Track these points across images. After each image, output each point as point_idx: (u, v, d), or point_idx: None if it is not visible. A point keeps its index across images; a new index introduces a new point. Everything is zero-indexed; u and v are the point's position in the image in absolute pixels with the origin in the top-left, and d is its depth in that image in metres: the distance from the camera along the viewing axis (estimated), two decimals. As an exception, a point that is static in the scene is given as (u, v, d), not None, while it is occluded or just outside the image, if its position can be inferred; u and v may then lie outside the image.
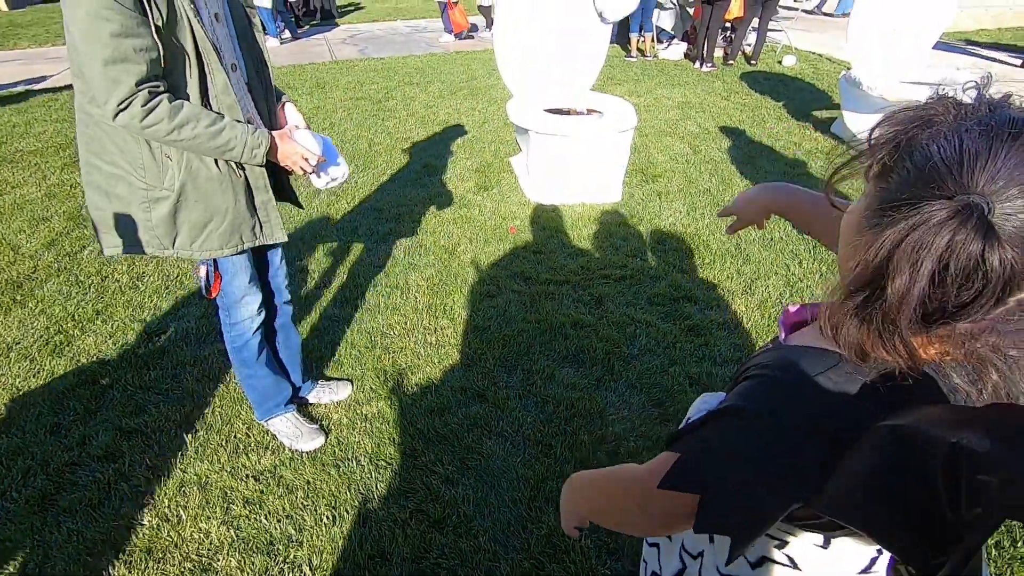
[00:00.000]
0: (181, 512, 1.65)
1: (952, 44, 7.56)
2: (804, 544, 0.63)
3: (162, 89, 1.23)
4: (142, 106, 1.20)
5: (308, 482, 1.74)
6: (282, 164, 1.48)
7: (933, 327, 0.46)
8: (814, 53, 7.36)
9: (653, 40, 7.49)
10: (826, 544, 0.62)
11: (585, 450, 1.81)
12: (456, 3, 8.62)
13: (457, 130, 4.85)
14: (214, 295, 1.58)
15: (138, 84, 1.18)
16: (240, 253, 1.52)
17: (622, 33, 7.76)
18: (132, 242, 1.44)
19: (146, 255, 1.48)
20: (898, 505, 0.42)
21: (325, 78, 6.77)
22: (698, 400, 0.75)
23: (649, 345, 2.27)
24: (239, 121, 1.35)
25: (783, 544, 0.64)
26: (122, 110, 1.19)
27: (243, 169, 1.44)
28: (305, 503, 1.68)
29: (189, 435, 1.89)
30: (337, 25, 11.27)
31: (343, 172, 1.62)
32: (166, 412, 1.98)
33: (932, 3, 4.03)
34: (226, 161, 1.39)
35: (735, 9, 6.67)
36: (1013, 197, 0.41)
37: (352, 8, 13.56)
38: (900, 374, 0.48)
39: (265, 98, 1.50)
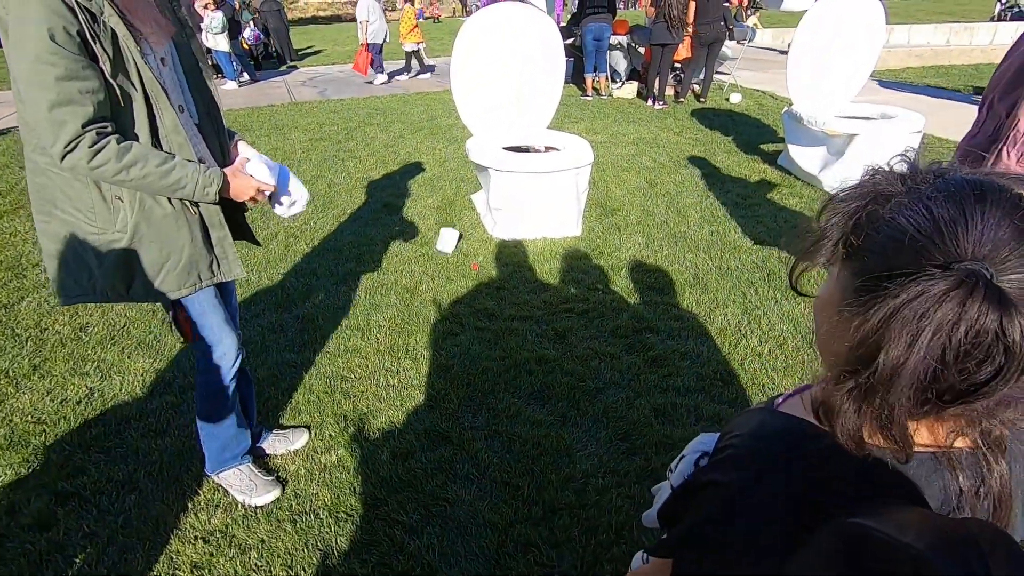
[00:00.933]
0: (121, 582, 1.53)
1: (884, 81, 8.11)
2: None
3: (110, 130, 1.21)
4: (89, 147, 1.18)
5: (262, 540, 1.64)
6: (236, 199, 1.45)
7: (945, 409, 0.43)
8: (758, 90, 7.77)
9: (607, 80, 7.79)
10: None
11: (553, 490, 1.77)
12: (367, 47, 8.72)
13: (418, 169, 4.88)
14: (192, 340, 1.54)
15: (84, 126, 1.16)
16: (199, 291, 1.48)
17: (577, 73, 8.06)
18: (87, 290, 1.39)
19: (102, 303, 1.43)
20: None
21: (284, 120, 6.76)
22: (694, 440, 0.72)
23: (613, 378, 2.26)
24: (190, 160, 1.33)
25: None
26: (69, 151, 1.17)
27: (197, 206, 1.41)
28: (259, 564, 1.58)
29: (132, 496, 1.77)
30: (296, 68, 11.35)
31: (302, 196, 1.60)
32: (107, 472, 1.85)
33: (860, 45, 4.33)
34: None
35: (683, 51, 7.03)
36: (1006, 260, 0.39)
37: (310, 51, 13.70)
38: (884, 463, 0.46)
39: (217, 138, 1.48)
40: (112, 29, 1.17)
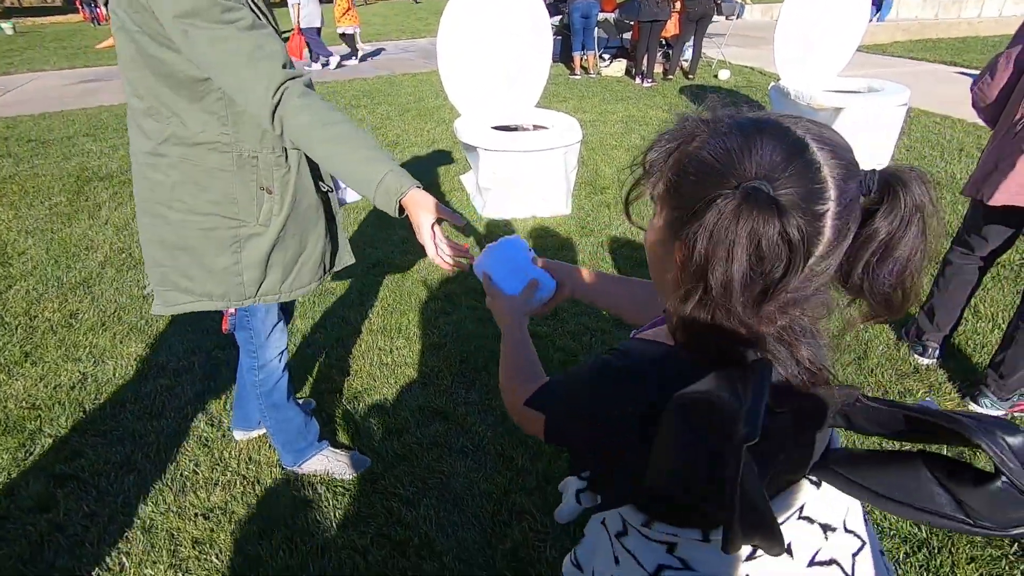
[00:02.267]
0: (124, 560, 1.55)
1: (870, 55, 8.10)
2: (688, 542, 0.65)
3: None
4: (299, 96, 1.06)
5: (261, 515, 1.67)
6: (417, 221, 1.07)
7: (762, 307, 0.50)
8: (746, 67, 7.75)
9: (596, 58, 7.74)
10: (705, 538, 0.63)
11: (546, 460, 1.81)
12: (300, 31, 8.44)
13: (406, 151, 4.85)
14: (226, 329, 1.49)
15: (283, 69, 1.07)
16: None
17: (565, 52, 7.99)
18: (202, 294, 1.31)
19: (215, 309, 1.34)
20: (694, 462, 0.48)
21: (269, 103, 6.66)
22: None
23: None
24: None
25: (672, 547, 0.66)
26: (278, 103, 1.05)
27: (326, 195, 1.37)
28: (259, 537, 1.61)
29: (131, 476, 1.79)
30: (280, 51, 11.11)
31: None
32: (105, 454, 1.87)
33: (845, 19, 4.32)
34: (317, 187, 1.31)
35: (671, 27, 6.99)
36: (778, 174, 0.47)
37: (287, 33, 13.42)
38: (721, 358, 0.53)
39: None
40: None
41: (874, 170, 0.50)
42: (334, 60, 8.95)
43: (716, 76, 7.25)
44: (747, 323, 0.51)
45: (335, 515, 1.67)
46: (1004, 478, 0.44)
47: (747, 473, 0.44)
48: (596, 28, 7.58)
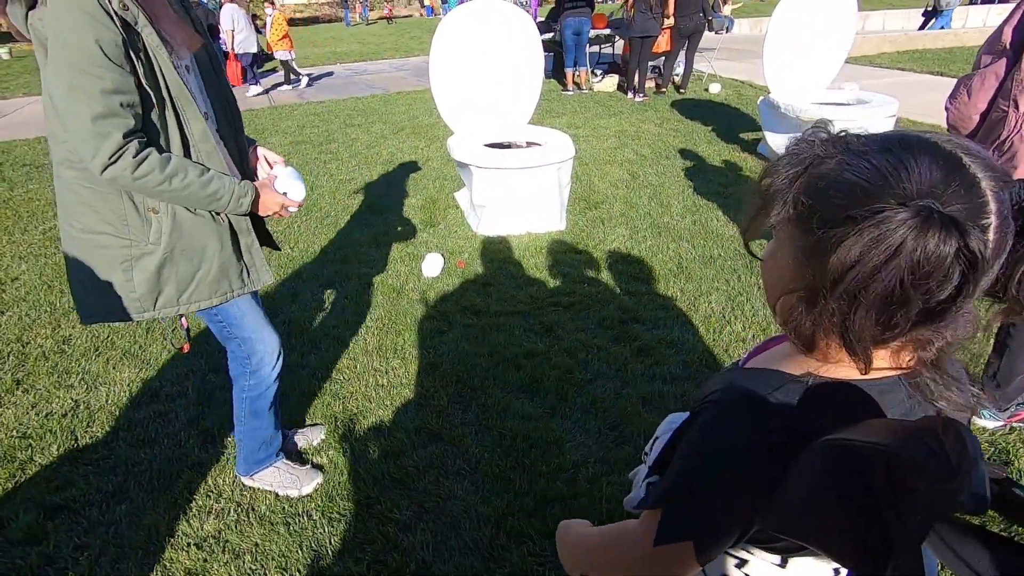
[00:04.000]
0: (115, 592, 1.52)
1: (859, 66, 8.21)
2: (762, 564, 0.64)
3: (146, 140, 1.20)
4: (133, 157, 1.17)
5: (256, 544, 1.64)
6: (262, 214, 1.46)
7: (914, 329, 0.48)
8: (737, 80, 7.84)
9: (588, 74, 7.82)
10: (783, 564, 0.62)
11: (544, 481, 1.79)
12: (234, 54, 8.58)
13: (400, 169, 4.87)
14: (186, 349, 1.58)
15: (126, 136, 1.16)
16: (230, 300, 1.48)
17: (558, 68, 8.07)
18: (112, 308, 1.37)
19: (124, 321, 1.41)
20: (844, 517, 0.43)
21: (264, 123, 6.71)
22: (664, 422, 0.76)
23: (601, 369, 2.29)
24: (223, 172, 1.34)
25: (742, 563, 0.65)
26: (111, 163, 1.16)
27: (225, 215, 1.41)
28: (253, 568, 1.58)
29: (123, 506, 1.76)
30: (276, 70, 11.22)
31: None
32: (96, 484, 1.84)
33: (833, 32, 4.38)
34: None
35: (663, 43, 7.08)
36: (943, 195, 0.45)
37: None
38: (845, 387, 0.50)
39: (236, 142, 1.47)
40: (144, 38, 1.17)
41: (1018, 180, 0.49)
42: (304, 80, 9.06)
43: (707, 90, 7.33)
44: (864, 340, 0.49)
45: (331, 542, 1.64)
46: None
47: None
48: (587, 44, 7.67)
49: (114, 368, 2.42)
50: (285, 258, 3.35)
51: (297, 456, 1.92)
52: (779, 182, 0.53)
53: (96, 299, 1.37)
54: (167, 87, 1.22)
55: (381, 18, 25.07)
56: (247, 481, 1.79)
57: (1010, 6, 1.71)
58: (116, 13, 1.10)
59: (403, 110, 7.10)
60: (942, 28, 10.55)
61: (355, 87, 8.99)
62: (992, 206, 0.46)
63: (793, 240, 0.53)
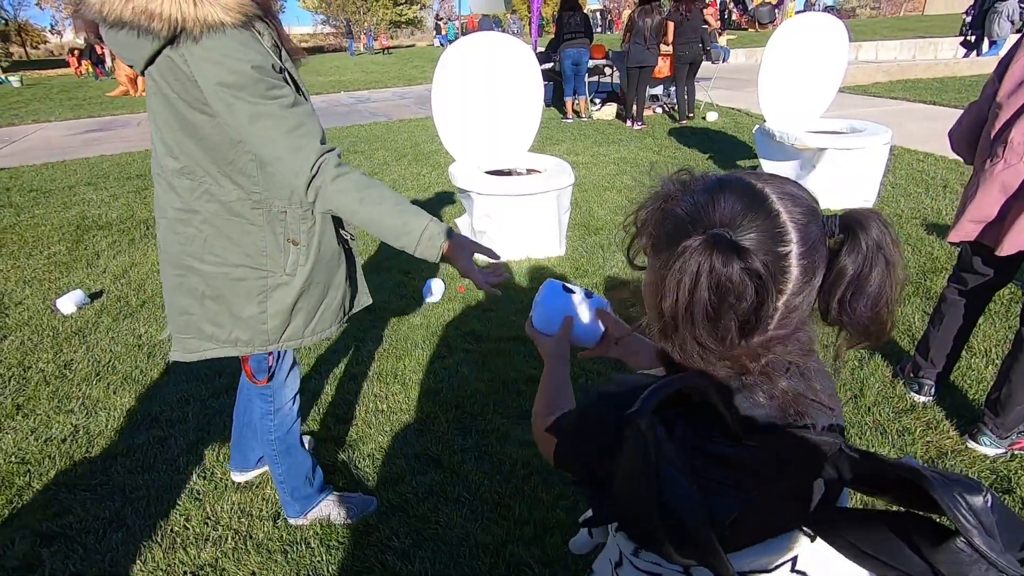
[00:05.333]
0: (109, 622, 1.50)
1: (854, 95, 8.37)
2: (672, 574, 0.67)
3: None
4: (335, 166, 1.15)
5: (253, 573, 1.63)
6: (456, 263, 1.27)
7: (745, 341, 0.55)
8: (733, 108, 7.98)
9: (587, 102, 7.97)
10: (686, 572, 0.66)
11: (544, 509, 1.78)
12: None
13: (404, 195, 4.91)
14: (265, 380, 1.49)
15: (322, 143, 1.16)
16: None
17: (557, 97, 8.23)
18: (227, 341, 1.34)
19: (236, 355, 1.37)
20: (635, 486, 0.54)
21: (268, 150, 6.79)
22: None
23: (601, 395, 2.29)
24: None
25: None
26: (315, 174, 1.14)
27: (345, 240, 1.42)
28: (250, 597, 1.56)
29: (119, 533, 1.75)
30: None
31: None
32: (94, 510, 1.83)
33: (826, 62, 4.49)
34: (339, 235, 1.37)
35: (664, 68, 7.27)
36: (740, 221, 0.53)
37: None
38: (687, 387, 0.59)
39: None
40: (289, 71, 1.19)
41: (835, 215, 0.57)
42: None
43: (704, 118, 7.46)
44: (727, 355, 0.56)
45: (328, 570, 1.63)
46: (961, 538, 0.44)
47: (671, 481, 0.51)
48: (587, 74, 7.84)
49: (115, 393, 2.42)
50: (287, 283, 3.37)
51: None
52: (645, 214, 0.63)
53: (210, 334, 1.33)
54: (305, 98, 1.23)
55: (382, 48, 25.67)
56: (302, 521, 1.73)
57: None
58: (269, 49, 1.13)
59: (405, 138, 7.22)
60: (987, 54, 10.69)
61: (358, 115, 9.15)
62: (792, 235, 0.53)
63: (650, 266, 0.63)
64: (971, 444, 1.94)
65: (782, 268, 0.53)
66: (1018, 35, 2.58)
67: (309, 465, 1.69)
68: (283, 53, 1.18)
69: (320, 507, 1.73)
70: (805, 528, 0.62)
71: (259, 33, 1.12)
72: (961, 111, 2.02)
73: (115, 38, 1.08)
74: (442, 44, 30.16)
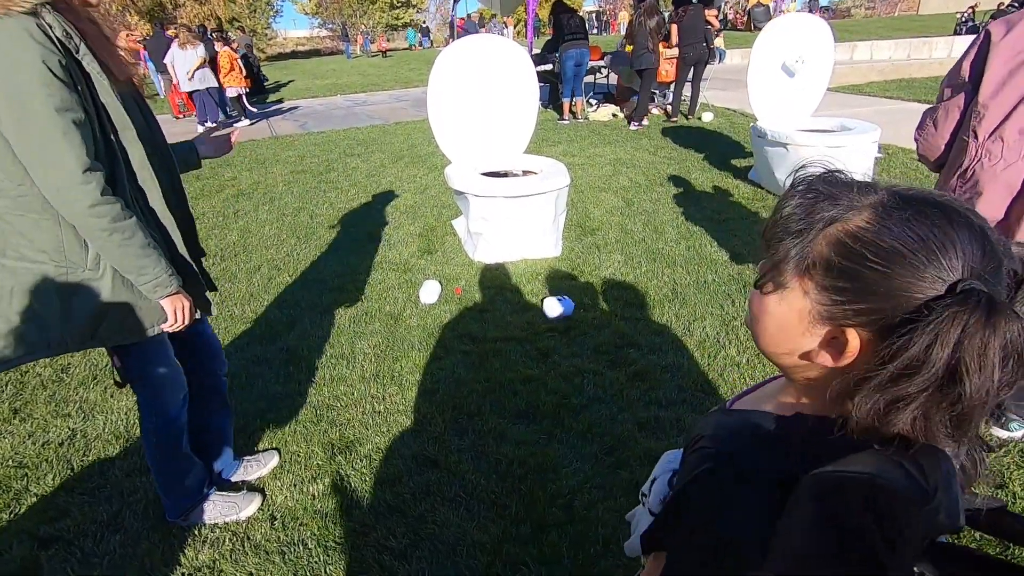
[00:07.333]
0: (107, 625, 1.51)
1: (848, 95, 8.40)
2: None
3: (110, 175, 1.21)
4: (98, 185, 1.17)
5: (251, 574, 1.63)
6: (168, 313, 1.41)
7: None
8: (728, 108, 8.01)
9: (584, 103, 7.99)
10: None
11: (541, 507, 1.78)
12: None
13: (399, 197, 4.94)
14: (132, 383, 1.52)
15: (86, 159, 1.16)
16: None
17: (554, 98, 8.25)
18: (39, 345, 1.32)
19: (56, 356, 1.37)
20: (837, 550, 0.42)
21: (265, 154, 6.82)
22: (661, 461, 0.75)
23: (597, 394, 2.30)
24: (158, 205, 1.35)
25: None
26: (86, 183, 1.16)
27: (168, 246, 1.41)
28: (247, 598, 1.57)
29: (117, 536, 1.75)
30: (282, 101, 11.46)
31: None
32: (91, 513, 1.84)
33: (813, 61, 4.53)
34: (147, 231, 1.35)
35: (671, 72, 7.36)
36: (985, 269, 0.43)
37: (286, 82, 13.85)
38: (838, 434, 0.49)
39: (169, 173, 1.45)
40: (85, 66, 1.18)
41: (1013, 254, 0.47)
42: (244, 121, 9.21)
43: (699, 118, 7.48)
44: (966, 420, 0.46)
45: (326, 571, 1.63)
46: None
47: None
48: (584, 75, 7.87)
49: (112, 397, 2.43)
50: (283, 286, 3.38)
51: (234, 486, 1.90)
52: (793, 224, 0.50)
53: (23, 335, 1.31)
54: (107, 114, 1.23)
55: (379, 51, 25.81)
56: (180, 522, 1.76)
57: None
58: (59, 39, 1.12)
59: (402, 140, 7.24)
60: None
61: (355, 118, 9.16)
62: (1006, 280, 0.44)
63: (807, 294, 0.50)
64: (998, 432, 1.93)
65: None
66: (972, 36, 2.59)
67: (195, 469, 1.71)
68: (80, 49, 1.16)
69: (205, 507, 1.76)
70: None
71: (48, 25, 1.10)
72: None
73: None
74: (411, 46, 30.51)
